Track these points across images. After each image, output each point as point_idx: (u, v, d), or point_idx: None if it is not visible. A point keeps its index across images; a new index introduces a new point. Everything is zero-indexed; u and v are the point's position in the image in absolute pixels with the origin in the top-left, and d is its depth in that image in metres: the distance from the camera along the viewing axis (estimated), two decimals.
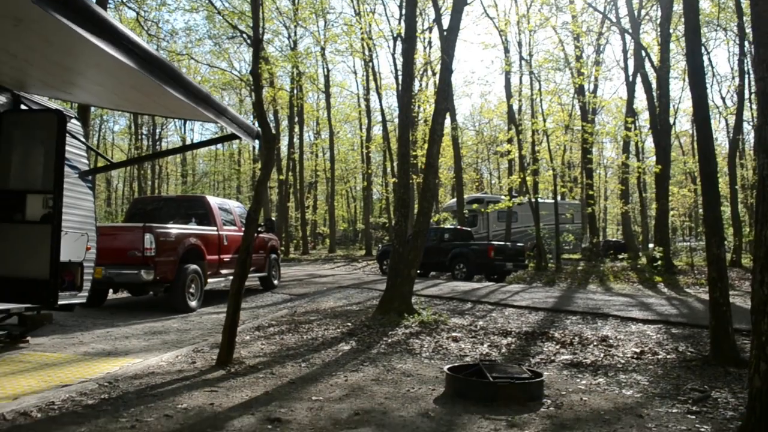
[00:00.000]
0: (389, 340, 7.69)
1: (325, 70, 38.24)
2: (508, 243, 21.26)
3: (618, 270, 21.30)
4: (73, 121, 8.08)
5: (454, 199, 30.38)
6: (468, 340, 7.75)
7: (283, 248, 26.91)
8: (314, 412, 4.66)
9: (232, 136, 7.49)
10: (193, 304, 10.90)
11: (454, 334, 8.09)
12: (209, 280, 11.65)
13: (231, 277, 8.00)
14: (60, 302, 7.32)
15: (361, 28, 32.77)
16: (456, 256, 18.88)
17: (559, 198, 24.71)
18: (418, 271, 10.99)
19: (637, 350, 7.05)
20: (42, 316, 8.03)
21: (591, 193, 28.39)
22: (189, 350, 7.08)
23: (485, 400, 4.92)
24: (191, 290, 10.93)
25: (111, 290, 11.45)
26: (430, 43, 33.92)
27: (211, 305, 11.36)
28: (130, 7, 25.42)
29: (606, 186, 51.66)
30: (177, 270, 10.61)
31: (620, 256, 27.08)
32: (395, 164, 28.30)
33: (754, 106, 23.76)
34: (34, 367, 6.45)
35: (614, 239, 39.17)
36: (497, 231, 27.26)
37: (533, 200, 23.01)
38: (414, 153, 25.43)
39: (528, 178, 23.14)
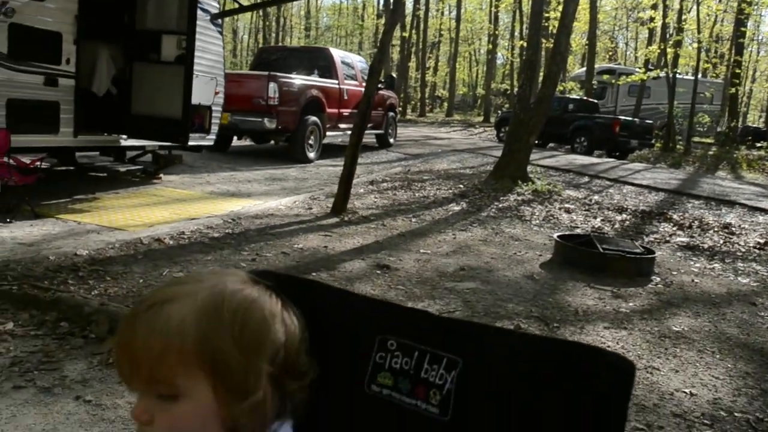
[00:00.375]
0: (500, 205, 7.70)
1: None
2: (635, 119, 20.12)
3: (753, 159, 19.79)
4: None
5: (584, 69, 28.71)
6: (580, 213, 7.63)
7: (400, 108, 26.85)
8: (421, 263, 4.83)
9: None
10: (311, 155, 11.27)
11: (566, 205, 7.97)
12: (328, 134, 11.92)
13: (349, 133, 8.14)
14: (190, 143, 7.79)
15: None
16: (578, 129, 18.12)
17: (699, 75, 22.79)
18: (536, 141, 10.69)
19: (761, 241, 6.68)
20: (173, 156, 8.62)
21: (738, 71, 25.89)
22: (306, 197, 7.42)
23: (593, 270, 4.90)
24: (310, 142, 11.26)
25: (235, 137, 11.99)
26: None
27: (328, 158, 11.70)
28: None
29: (756, 66, 46.95)
30: (298, 120, 10.89)
31: (758, 144, 25.03)
32: (524, 26, 26.90)
33: None
34: (166, 201, 7.03)
35: (754, 125, 36.10)
36: (626, 106, 25.70)
37: (671, 75, 21.34)
38: (546, 15, 23.92)
39: (669, 50, 21.34)
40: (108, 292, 3.78)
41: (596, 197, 8.90)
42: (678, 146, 21.51)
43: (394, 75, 22.39)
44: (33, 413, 2.56)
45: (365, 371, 0.89)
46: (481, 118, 36.11)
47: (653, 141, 20.01)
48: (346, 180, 6.55)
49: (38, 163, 6.26)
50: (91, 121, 7.15)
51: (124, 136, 7.52)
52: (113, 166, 8.11)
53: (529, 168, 9.86)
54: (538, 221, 6.98)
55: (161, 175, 8.32)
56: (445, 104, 42.42)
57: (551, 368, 0.79)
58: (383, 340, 0.89)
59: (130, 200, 6.91)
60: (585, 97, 22.34)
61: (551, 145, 19.69)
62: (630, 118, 19.85)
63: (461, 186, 8.92)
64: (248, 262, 4.50)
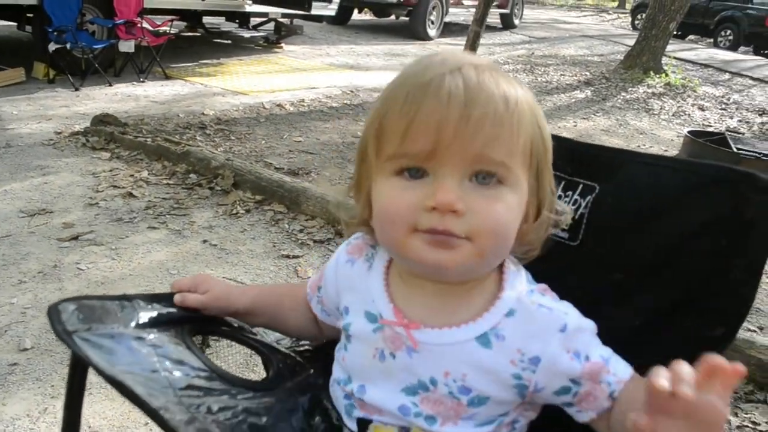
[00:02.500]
0: (627, 96, 7.28)
1: None
2: None
3: None
4: None
5: None
6: (715, 111, 7.10)
7: None
8: None
9: None
10: (432, 32, 10.96)
11: (701, 102, 7.42)
12: (450, 10, 11.49)
13: (473, 9, 7.80)
14: (312, 11, 7.78)
15: None
16: (724, 20, 16.48)
17: None
18: (675, 33, 9.80)
19: None
20: (294, 26, 8.65)
21: None
22: None
23: None
24: (432, 18, 10.92)
25: (356, 10, 11.79)
26: None
27: (448, 37, 11.35)
28: None
29: None
30: None
31: None
32: None
33: None
34: (287, 69, 7.13)
35: None
36: None
37: None
38: None
39: None
40: (232, 150, 3.96)
41: (736, 96, 8.21)
42: None
43: None
44: (165, 251, 2.79)
45: None
46: (615, 3, 33.56)
47: None
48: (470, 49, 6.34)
49: (168, 25, 6.47)
50: None
51: (249, 2, 7.58)
52: (237, 33, 8.28)
53: (664, 60, 9.16)
54: (667, 116, 6.57)
55: (282, 45, 8.41)
56: None
57: (696, 192, 0.74)
58: None
59: (253, 67, 7.07)
60: None
61: (691, 37, 18.09)
62: None
63: (587, 73, 8.46)
64: None
